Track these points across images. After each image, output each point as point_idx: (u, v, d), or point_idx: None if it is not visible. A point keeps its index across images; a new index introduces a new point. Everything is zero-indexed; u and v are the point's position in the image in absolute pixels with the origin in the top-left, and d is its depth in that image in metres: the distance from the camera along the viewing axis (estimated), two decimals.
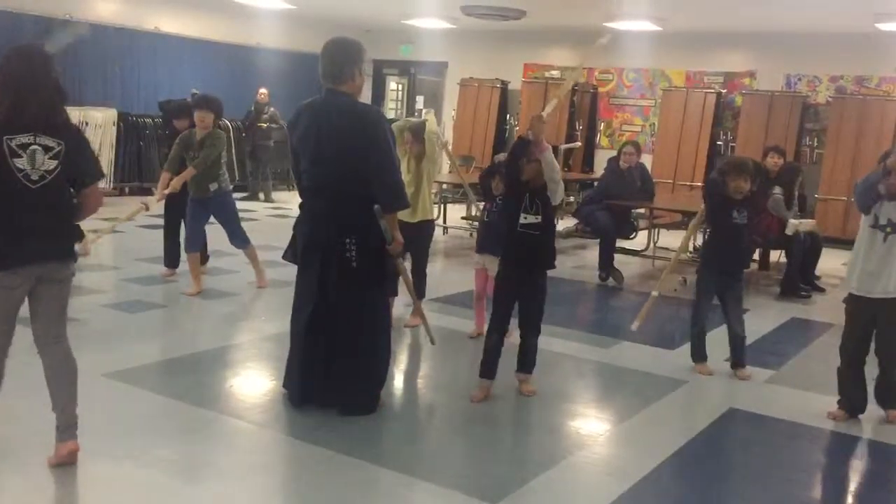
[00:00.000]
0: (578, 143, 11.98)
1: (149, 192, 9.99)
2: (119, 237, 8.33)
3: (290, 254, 4.24)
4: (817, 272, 7.88)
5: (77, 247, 6.77)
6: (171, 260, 6.65)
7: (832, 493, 3.72)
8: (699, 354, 5.00)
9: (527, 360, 4.39)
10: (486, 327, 4.59)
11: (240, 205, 11.37)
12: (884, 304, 4.17)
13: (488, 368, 4.28)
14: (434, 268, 7.24)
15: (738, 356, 4.98)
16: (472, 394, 4.28)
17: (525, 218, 4.14)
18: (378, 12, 12.54)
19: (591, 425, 4.13)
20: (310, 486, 3.26)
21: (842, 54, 11.13)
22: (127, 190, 11.22)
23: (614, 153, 10.29)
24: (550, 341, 5.36)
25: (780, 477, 3.65)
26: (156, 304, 5.85)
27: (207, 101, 6.16)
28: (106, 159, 10.63)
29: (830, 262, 8.13)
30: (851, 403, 4.33)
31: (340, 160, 3.81)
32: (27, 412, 3.58)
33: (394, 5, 11.66)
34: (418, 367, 5.13)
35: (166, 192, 6.01)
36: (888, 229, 4.11)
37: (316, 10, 12.61)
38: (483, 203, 5.43)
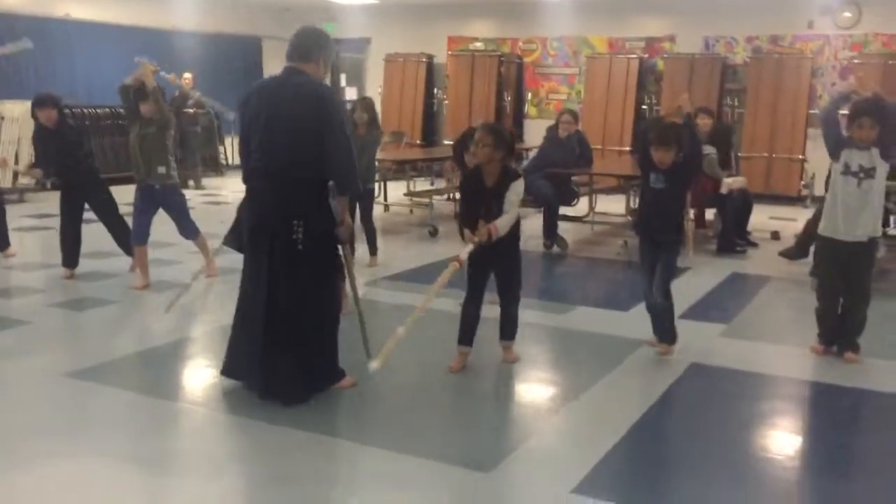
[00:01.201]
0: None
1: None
2: (50, 233, 8.05)
3: (232, 239, 4.17)
4: (749, 227, 8.17)
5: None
6: (71, 259, 6.29)
7: (805, 436, 3.88)
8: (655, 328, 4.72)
9: (508, 329, 4.48)
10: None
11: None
12: (858, 246, 4.44)
13: (467, 336, 4.37)
14: (382, 245, 7.27)
15: (657, 330, 4.68)
16: (450, 364, 4.35)
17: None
18: None
19: (563, 391, 4.21)
20: (290, 470, 3.23)
21: (757, 15, 11.48)
22: (49, 185, 10.80)
23: (543, 122, 10.45)
24: None
25: (746, 425, 3.81)
26: (104, 301, 5.69)
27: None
28: (25, 154, 10.21)
29: (756, 217, 8.42)
30: (828, 336, 4.66)
31: (291, 140, 3.72)
32: None
33: None
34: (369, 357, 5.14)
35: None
36: (861, 175, 4.36)
37: None
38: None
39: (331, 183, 3.87)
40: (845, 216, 4.40)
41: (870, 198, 4.38)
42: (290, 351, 3.81)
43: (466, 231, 4.19)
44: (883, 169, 4.38)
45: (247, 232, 3.91)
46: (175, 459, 3.37)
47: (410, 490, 3.12)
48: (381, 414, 3.86)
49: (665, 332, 4.66)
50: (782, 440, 3.75)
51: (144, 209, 6.01)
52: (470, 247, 4.10)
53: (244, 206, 3.99)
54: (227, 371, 4.07)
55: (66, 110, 10.77)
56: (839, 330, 4.63)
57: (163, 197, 6.00)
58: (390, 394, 4.11)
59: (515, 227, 4.30)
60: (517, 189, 4.18)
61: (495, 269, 4.35)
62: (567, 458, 3.38)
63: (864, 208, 4.38)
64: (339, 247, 4.04)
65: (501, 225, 4.12)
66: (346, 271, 4.35)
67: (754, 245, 7.97)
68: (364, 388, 4.09)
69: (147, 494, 3.12)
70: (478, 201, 4.21)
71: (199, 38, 12.88)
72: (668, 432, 3.82)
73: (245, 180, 3.92)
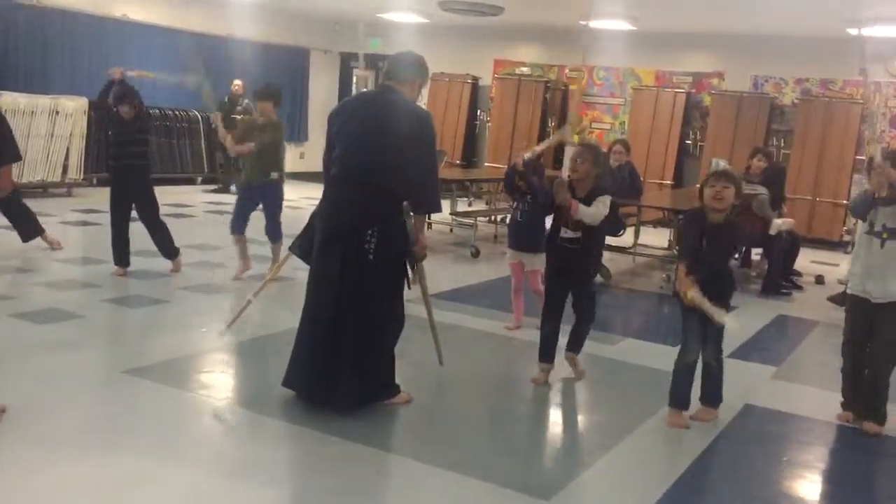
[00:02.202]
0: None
1: None
2: (93, 230, 8.15)
3: (298, 246, 4.18)
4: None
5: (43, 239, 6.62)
6: (122, 258, 6.38)
7: (857, 486, 3.84)
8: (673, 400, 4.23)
9: (576, 342, 4.68)
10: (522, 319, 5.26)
11: (212, 197, 11.37)
12: (882, 307, 4.23)
13: (547, 353, 4.57)
14: (424, 264, 7.26)
15: (709, 392, 4.25)
16: (534, 377, 4.55)
17: (565, 232, 4.43)
18: (353, 4, 12.46)
19: (618, 423, 4.18)
20: (348, 483, 3.23)
21: (807, 57, 11.44)
22: (95, 181, 10.95)
23: None
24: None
25: (809, 469, 3.77)
26: (156, 300, 5.74)
27: (270, 91, 6.56)
28: (76, 150, 10.36)
29: (799, 261, 8.34)
30: (853, 406, 4.38)
31: (379, 151, 3.79)
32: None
33: None
34: (430, 364, 5.14)
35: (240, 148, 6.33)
36: (884, 234, 4.18)
37: (288, 1, 12.47)
38: (514, 203, 5.64)
39: (405, 203, 3.92)
40: (870, 276, 4.21)
41: (894, 258, 4.16)
42: (350, 359, 3.82)
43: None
44: None
45: (319, 239, 3.93)
46: (228, 464, 3.37)
47: None
48: (439, 432, 3.85)
49: (714, 394, 4.23)
50: (829, 486, 3.70)
51: (246, 205, 6.46)
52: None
53: (318, 214, 4.03)
54: (287, 382, 4.03)
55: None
56: (863, 396, 4.34)
57: (266, 193, 6.42)
58: (446, 412, 4.11)
59: (596, 249, 4.53)
60: (605, 200, 4.39)
61: (573, 287, 4.54)
62: (627, 493, 3.35)
63: (889, 270, 4.16)
64: (410, 265, 4.07)
65: (584, 210, 4.30)
66: (419, 287, 4.44)
67: (799, 288, 7.91)
68: (419, 404, 4.09)
69: (198, 497, 3.12)
70: (560, 213, 4.43)
71: (251, 46, 13.03)
72: (726, 473, 3.77)
73: (325, 187, 4.00)
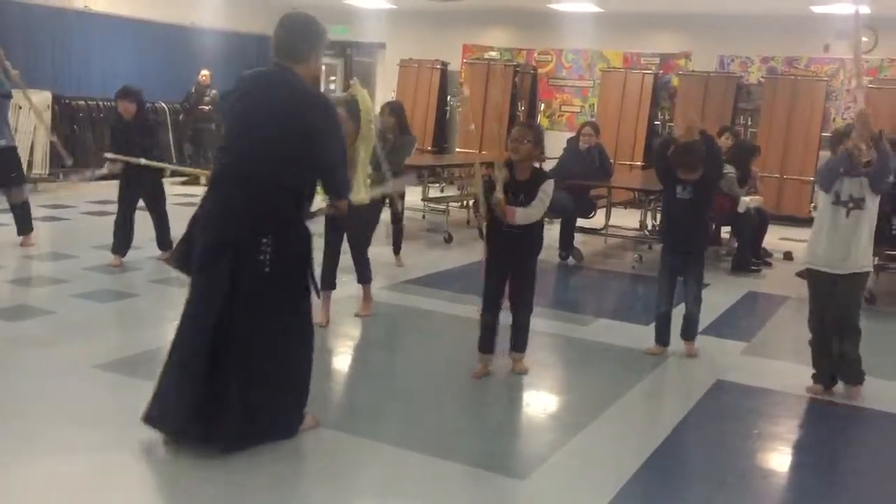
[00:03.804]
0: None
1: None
2: (61, 225, 8.05)
3: (176, 259, 3.61)
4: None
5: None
6: (123, 247, 6.44)
7: (827, 457, 3.91)
8: (660, 337, 4.93)
9: (519, 339, 4.47)
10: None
11: (182, 189, 11.24)
12: (842, 277, 4.29)
13: (488, 343, 4.40)
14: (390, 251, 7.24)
15: (687, 333, 4.94)
16: (474, 370, 4.36)
17: (506, 226, 4.24)
18: None
19: (592, 401, 4.21)
20: (327, 468, 3.25)
21: (773, 35, 11.54)
22: (61, 176, 10.80)
23: (554, 134, 10.49)
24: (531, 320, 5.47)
25: (779, 440, 3.85)
26: (127, 294, 5.69)
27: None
28: (41, 144, 10.22)
29: (768, 238, 8.44)
30: (822, 377, 4.47)
31: (272, 143, 3.24)
32: None
33: None
34: (407, 349, 5.16)
35: None
36: (850, 205, 4.24)
37: None
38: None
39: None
40: (833, 248, 4.26)
41: (859, 229, 4.23)
42: (241, 390, 3.24)
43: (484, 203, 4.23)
44: (872, 200, 4.23)
45: (201, 250, 3.32)
46: (203, 457, 3.35)
47: (446, 494, 3.13)
48: (412, 415, 3.87)
49: (692, 333, 4.94)
50: (802, 458, 3.79)
51: None
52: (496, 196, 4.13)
53: (199, 220, 3.40)
54: (150, 418, 3.34)
55: (82, 102, 10.93)
56: (836, 368, 4.45)
57: None
58: (420, 396, 4.13)
59: (538, 234, 4.37)
60: (548, 189, 4.24)
61: (512, 274, 4.37)
62: (601, 470, 3.39)
63: (853, 240, 4.23)
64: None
65: (520, 215, 4.17)
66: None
67: (768, 265, 8.00)
68: (393, 388, 4.11)
69: (172, 489, 3.12)
70: (509, 192, 4.21)
71: (216, 35, 12.88)
72: (699, 448, 3.83)
73: (208, 187, 3.41)
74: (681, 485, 3.40)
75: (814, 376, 4.51)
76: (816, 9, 10.09)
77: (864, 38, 11.12)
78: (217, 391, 3.22)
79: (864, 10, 9.94)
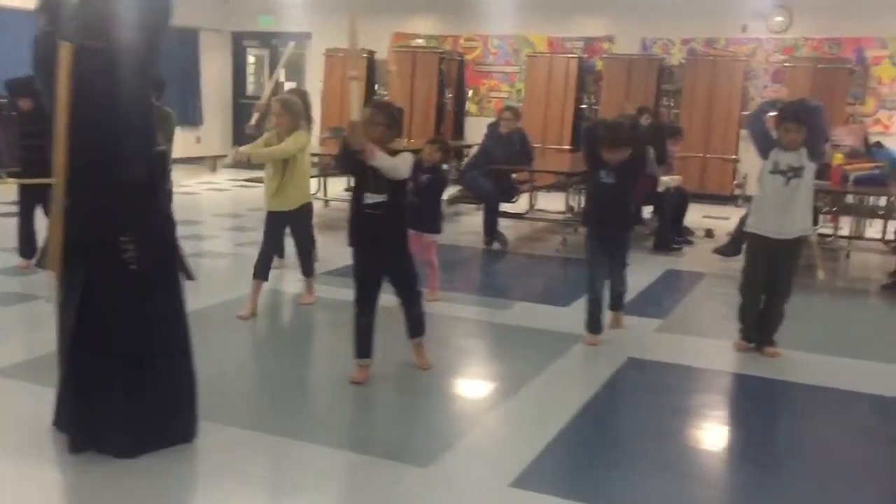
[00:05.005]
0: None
1: None
2: None
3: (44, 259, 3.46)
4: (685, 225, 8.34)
5: None
6: (28, 250, 6.17)
7: (735, 425, 3.98)
8: (592, 325, 4.84)
9: (415, 325, 4.26)
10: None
11: None
12: (785, 243, 4.54)
13: (365, 347, 4.10)
14: (321, 241, 7.18)
15: (615, 304, 5.08)
16: (353, 376, 4.07)
17: (369, 198, 3.90)
18: None
19: (503, 385, 4.22)
20: (232, 466, 3.19)
21: (693, 17, 11.70)
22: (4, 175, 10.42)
23: (484, 120, 10.48)
24: (449, 306, 5.48)
25: (685, 415, 3.90)
26: (28, 295, 5.50)
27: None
28: None
29: (690, 216, 8.60)
30: (749, 333, 4.75)
31: (101, 135, 3.10)
32: None
33: None
34: (320, 342, 5.11)
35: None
36: (790, 174, 4.45)
37: None
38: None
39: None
40: (774, 214, 4.50)
41: (798, 196, 4.47)
42: (120, 395, 3.16)
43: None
44: (811, 168, 4.48)
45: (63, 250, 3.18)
46: (104, 463, 3.27)
47: (348, 485, 3.10)
48: (316, 409, 3.83)
49: (620, 304, 5.10)
50: (712, 430, 3.84)
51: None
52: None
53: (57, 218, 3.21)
54: (57, 422, 3.31)
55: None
56: (760, 326, 4.73)
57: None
58: (324, 389, 4.09)
59: (402, 218, 4.08)
60: (406, 157, 3.91)
61: (388, 272, 4.14)
62: (506, 452, 3.39)
63: (793, 206, 4.47)
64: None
65: (382, 155, 3.73)
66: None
67: (690, 243, 8.14)
68: (299, 381, 4.06)
69: (65, 494, 3.04)
70: (362, 173, 3.89)
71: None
72: (606, 425, 3.86)
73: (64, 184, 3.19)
74: (584, 462, 3.41)
75: (741, 332, 4.76)
76: None
77: (778, 18, 11.40)
78: (95, 398, 3.13)
79: None
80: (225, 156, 5.08)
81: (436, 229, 5.46)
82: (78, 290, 3.15)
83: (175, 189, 6.41)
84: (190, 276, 3.52)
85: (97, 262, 3.15)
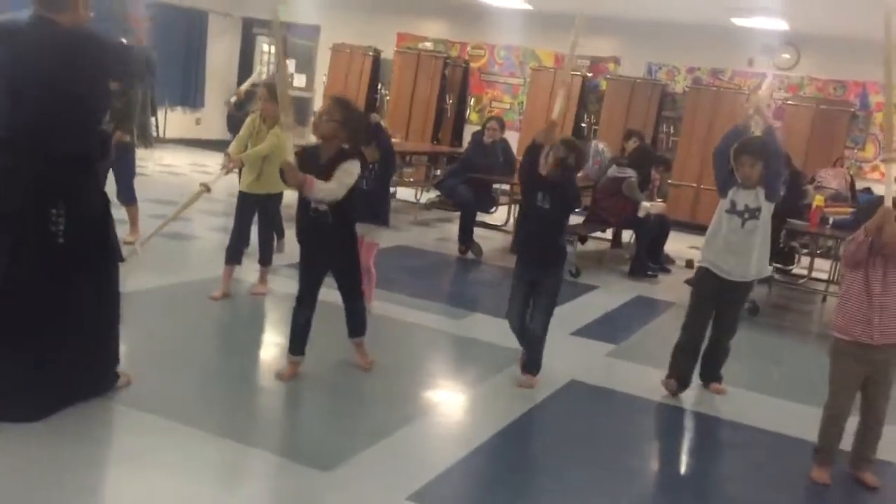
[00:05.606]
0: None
1: None
2: None
3: None
4: (666, 253, 8.24)
5: None
6: None
7: (658, 458, 3.89)
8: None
9: (356, 323, 4.21)
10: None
11: None
12: (734, 285, 4.36)
13: (299, 345, 4.03)
14: (290, 234, 7.12)
15: (528, 359, 4.38)
16: (281, 372, 4.01)
17: (316, 204, 3.85)
18: None
19: (434, 395, 4.16)
20: (134, 450, 3.12)
21: (700, 46, 11.63)
22: None
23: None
24: (406, 312, 5.41)
25: (610, 444, 3.80)
26: None
27: None
28: None
29: (677, 245, 8.52)
30: (683, 377, 4.49)
31: (43, 104, 3.08)
32: None
33: None
34: (258, 334, 5.03)
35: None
36: (746, 215, 4.27)
37: None
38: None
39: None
40: (730, 256, 4.30)
41: (754, 239, 4.27)
42: (29, 365, 3.15)
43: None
44: (767, 209, 4.27)
45: None
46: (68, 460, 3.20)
47: (245, 481, 3.02)
48: (232, 402, 3.75)
49: (534, 362, 4.35)
50: (631, 461, 3.74)
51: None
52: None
53: None
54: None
55: None
56: (704, 363, 4.57)
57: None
58: (246, 383, 4.01)
59: (348, 220, 4.02)
60: (348, 168, 3.78)
61: (333, 268, 4.07)
62: (414, 464, 3.29)
63: (750, 250, 4.28)
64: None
65: (319, 186, 3.69)
66: None
67: (666, 271, 8.04)
68: (228, 372, 3.98)
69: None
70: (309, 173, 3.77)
71: (144, 6, 12.55)
72: (524, 447, 3.74)
73: None
74: (488, 483, 3.32)
75: (672, 372, 4.50)
76: (737, 21, 10.18)
77: (785, 55, 11.32)
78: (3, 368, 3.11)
79: (783, 26, 10.11)
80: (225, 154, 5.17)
81: (385, 221, 5.23)
82: (4, 256, 3.11)
83: (163, 169, 6.42)
84: (119, 258, 3.51)
85: (25, 231, 3.13)
